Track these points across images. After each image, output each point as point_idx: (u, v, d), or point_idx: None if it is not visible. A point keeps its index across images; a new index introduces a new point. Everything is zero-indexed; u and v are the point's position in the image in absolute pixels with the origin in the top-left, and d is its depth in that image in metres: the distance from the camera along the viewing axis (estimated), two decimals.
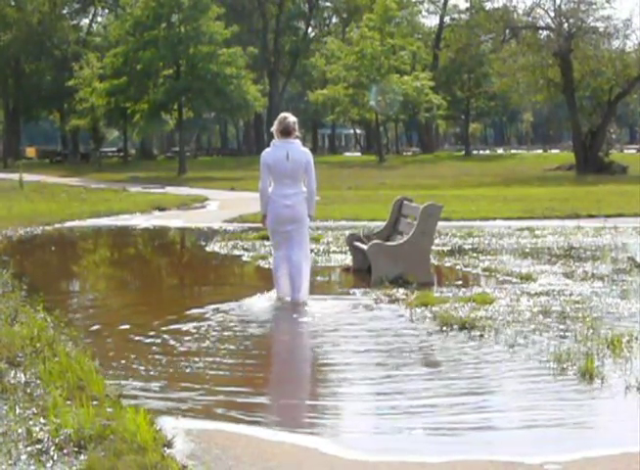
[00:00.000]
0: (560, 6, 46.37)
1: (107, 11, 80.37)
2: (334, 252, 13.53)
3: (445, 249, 13.74)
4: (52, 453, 4.50)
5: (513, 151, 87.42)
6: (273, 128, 9.11)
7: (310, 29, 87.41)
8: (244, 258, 13.18)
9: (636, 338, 7.04)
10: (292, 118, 9.06)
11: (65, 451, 4.52)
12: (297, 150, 9.02)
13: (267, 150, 9.15)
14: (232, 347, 7.25)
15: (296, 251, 9.13)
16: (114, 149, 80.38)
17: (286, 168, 8.93)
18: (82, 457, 4.45)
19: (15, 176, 37.98)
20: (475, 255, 12.94)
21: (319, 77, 76.24)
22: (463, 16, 73.80)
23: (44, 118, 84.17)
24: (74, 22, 79.39)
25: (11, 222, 19.19)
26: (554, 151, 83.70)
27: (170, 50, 50.86)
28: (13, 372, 5.93)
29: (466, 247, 14.03)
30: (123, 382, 6.05)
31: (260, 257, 13.04)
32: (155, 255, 15.85)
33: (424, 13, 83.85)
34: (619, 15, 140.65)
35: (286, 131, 8.98)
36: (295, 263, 9.11)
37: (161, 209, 23.93)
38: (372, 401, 5.85)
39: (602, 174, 39.35)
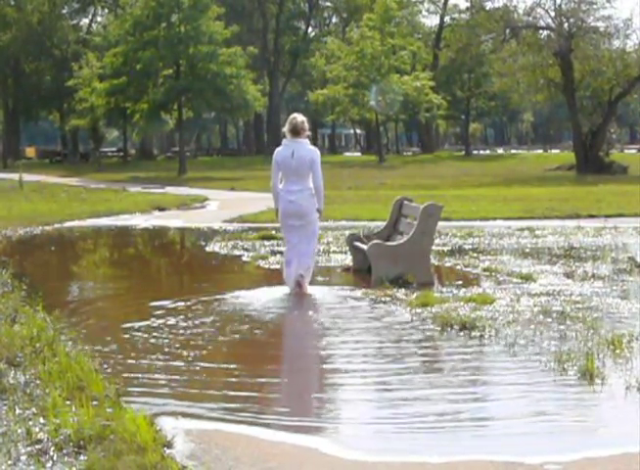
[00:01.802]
0: (560, 6, 46.34)
1: (106, 11, 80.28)
2: (334, 252, 13.53)
3: (445, 249, 13.74)
4: (52, 454, 4.49)
5: (513, 151, 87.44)
6: (284, 128, 9.62)
7: (310, 29, 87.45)
8: (244, 259, 13.17)
9: (636, 338, 7.04)
10: (300, 118, 9.58)
11: (64, 452, 4.51)
12: (303, 148, 9.50)
13: (278, 148, 9.70)
14: (228, 341, 7.26)
15: (303, 245, 9.60)
16: (114, 149, 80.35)
17: (291, 166, 9.45)
18: (82, 457, 4.44)
19: (14, 176, 37.97)
20: (475, 255, 12.93)
21: (319, 77, 76.18)
22: (463, 15, 73.68)
23: (44, 118, 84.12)
24: (74, 21, 79.39)
25: (10, 222, 19.19)
26: (554, 151, 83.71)
27: (170, 50, 50.82)
28: (12, 372, 5.93)
29: (466, 247, 14.03)
30: (125, 380, 6.06)
31: (260, 257, 13.04)
32: (154, 255, 15.85)
33: (424, 13, 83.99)
34: (620, 14, 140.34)
35: (294, 130, 9.50)
36: (300, 256, 9.55)
37: (161, 209, 23.91)
38: (372, 402, 5.85)
39: (602, 174, 39.30)
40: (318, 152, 9.65)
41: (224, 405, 5.62)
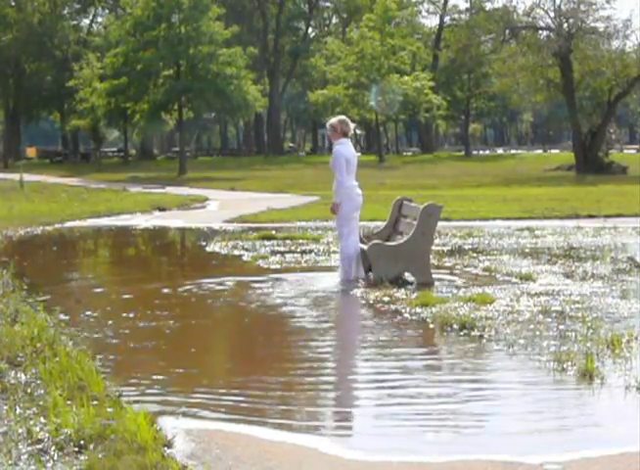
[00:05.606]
0: (560, 6, 46.37)
1: (107, 11, 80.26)
2: (334, 252, 13.51)
3: (445, 249, 13.74)
4: (52, 453, 4.50)
5: (513, 151, 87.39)
6: (338, 128, 10.43)
7: (310, 29, 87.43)
8: (244, 258, 13.17)
9: (636, 338, 7.04)
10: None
11: (65, 451, 4.52)
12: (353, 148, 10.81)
13: (343, 146, 10.54)
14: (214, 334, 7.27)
15: (359, 235, 10.68)
16: (115, 149, 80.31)
17: (355, 163, 10.59)
18: (82, 457, 4.45)
19: (15, 176, 37.96)
20: (475, 255, 12.93)
21: (319, 78, 76.22)
22: (463, 16, 73.90)
23: (44, 119, 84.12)
24: (75, 22, 79.35)
25: (11, 222, 19.19)
26: (554, 151, 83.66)
27: (170, 50, 50.81)
28: (13, 372, 5.94)
29: (466, 247, 14.03)
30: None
31: (261, 256, 13.04)
32: (155, 255, 15.85)
33: (424, 13, 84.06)
34: (619, 15, 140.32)
35: (348, 133, 10.54)
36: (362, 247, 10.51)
37: (162, 209, 23.90)
38: (372, 402, 5.85)
39: (602, 174, 39.31)
40: None
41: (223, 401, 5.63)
